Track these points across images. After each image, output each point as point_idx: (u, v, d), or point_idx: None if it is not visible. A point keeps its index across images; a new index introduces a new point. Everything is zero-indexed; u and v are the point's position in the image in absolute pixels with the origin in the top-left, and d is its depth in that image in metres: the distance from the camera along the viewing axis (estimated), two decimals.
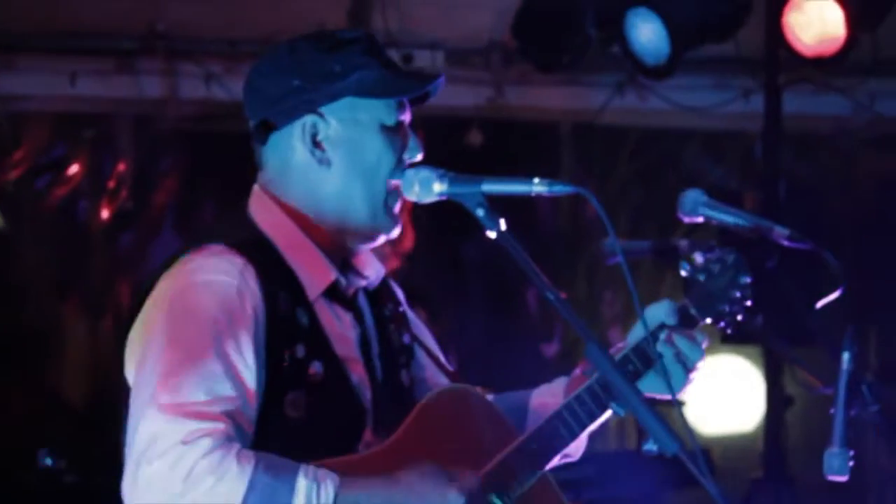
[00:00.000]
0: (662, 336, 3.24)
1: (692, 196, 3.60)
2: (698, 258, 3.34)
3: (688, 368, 3.24)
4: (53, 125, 7.74)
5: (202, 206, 7.86)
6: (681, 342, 3.24)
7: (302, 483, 2.83)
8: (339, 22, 7.31)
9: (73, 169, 7.79)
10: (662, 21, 6.67)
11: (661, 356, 3.21)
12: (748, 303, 3.36)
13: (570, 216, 8.44)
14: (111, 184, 7.77)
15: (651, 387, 3.25)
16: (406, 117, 3.16)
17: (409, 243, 5.09)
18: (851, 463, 3.42)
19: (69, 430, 7.01)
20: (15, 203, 7.84)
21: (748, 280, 3.35)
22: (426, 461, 2.94)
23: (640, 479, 6.15)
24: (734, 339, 7.55)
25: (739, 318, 3.37)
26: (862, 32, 6.72)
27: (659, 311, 3.28)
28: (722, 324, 3.33)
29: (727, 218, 3.61)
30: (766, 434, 6.99)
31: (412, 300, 6.53)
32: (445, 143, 7.78)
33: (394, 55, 7.25)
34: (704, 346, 3.28)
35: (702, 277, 3.32)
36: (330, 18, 7.29)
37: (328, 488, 2.84)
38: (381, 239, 3.17)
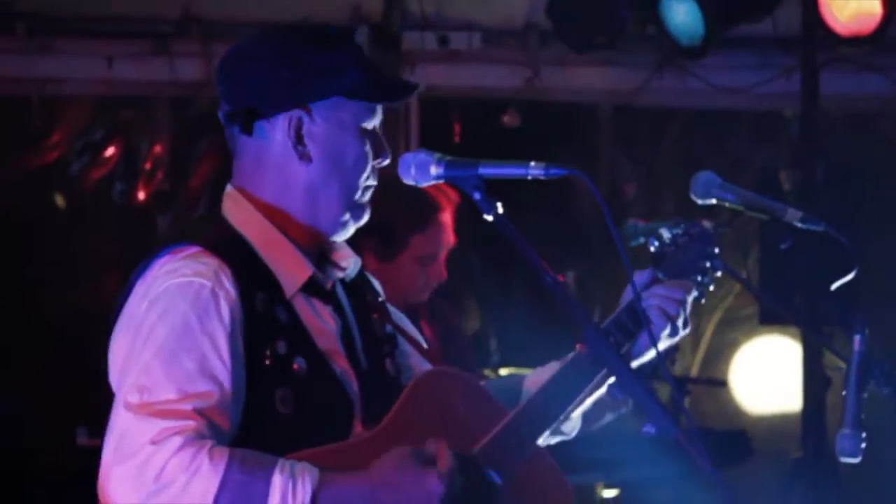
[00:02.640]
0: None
1: (704, 178, 3.59)
2: (665, 233, 3.38)
3: (669, 316, 3.26)
4: (90, 108, 7.80)
5: None
6: (659, 290, 3.29)
7: (277, 479, 2.82)
8: (374, 5, 7.33)
9: (110, 151, 7.84)
10: (696, 1, 6.65)
11: (646, 320, 3.23)
12: (718, 273, 3.40)
13: (607, 195, 8.39)
14: (147, 166, 7.81)
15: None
16: (379, 121, 3.18)
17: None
18: (864, 445, 3.42)
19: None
20: (53, 186, 7.93)
21: (716, 250, 3.39)
22: (405, 446, 2.93)
23: (673, 460, 6.14)
24: (772, 319, 7.58)
25: (711, 288, 3.40)
26: None
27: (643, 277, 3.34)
28: (695, 293, 3.36)
29: (740, 200, 3.59)
30: (804, 414, 6.95)
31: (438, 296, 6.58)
32: (482, 125, 7.77)
33: (429, 37, 7.42)
34: (686, 295, 3.31)
35: (671, 250, 3.36)
36: (365, 1, 7.31)
37: (305, 485, 2.83)
38: (351, 230, 3.18)
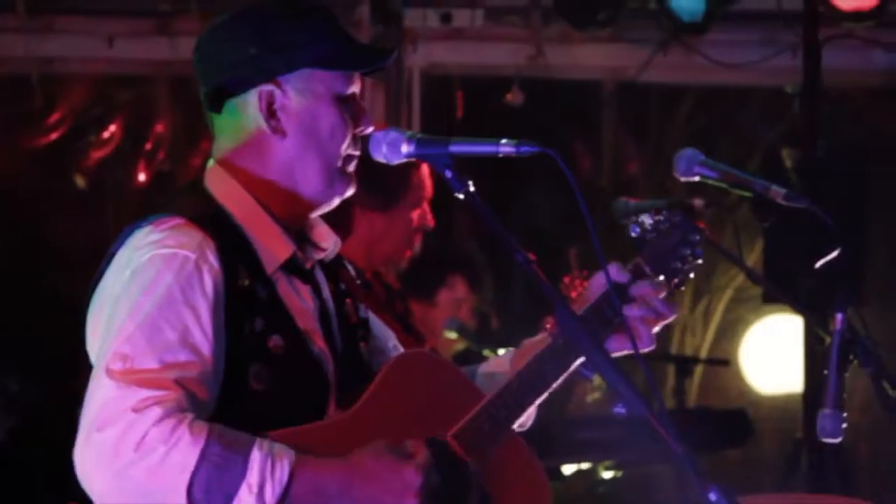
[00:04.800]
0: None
1: (687, 155, 3.56)
2: (647, 220, 3.35)
3: (649, 319, 3.23)
4: (91, 87, 7.79)
5: None
6: (643, 291, 3.25)
7: (256, 456, 2.81)
8: None
9: (111, 131, 7.84)
10: None
11: (620, 313, 3.19)
12: (699, 260, 3.37)
13: (611, 175, 8.37)
14: (148, 146, 7.80)
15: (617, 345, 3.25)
16: (358, 89, 3.14)
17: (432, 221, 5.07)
18: (844, 425, 3.40)
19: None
20: (53, 166, 7.91)
21: (697, 238, 3.37)
22: (383, 433, 2.93)
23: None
24: (774, 298, 7.53)
25: (692, 275, 3.37)
26: None
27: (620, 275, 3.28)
28: (676, 280, 3.34)
29: (722, 177, 3.56)
30: (805, 395, 6.92)
31: (452, 269, 6.47)
32: (485, 103, 7.74)
33: (431, 14, 7.37)
34: (663, 295, 3.26)
35: (652, 237, 3.33)
36: None
37: (283, 465, 2.82)
38: (336, 201, 3.15)
